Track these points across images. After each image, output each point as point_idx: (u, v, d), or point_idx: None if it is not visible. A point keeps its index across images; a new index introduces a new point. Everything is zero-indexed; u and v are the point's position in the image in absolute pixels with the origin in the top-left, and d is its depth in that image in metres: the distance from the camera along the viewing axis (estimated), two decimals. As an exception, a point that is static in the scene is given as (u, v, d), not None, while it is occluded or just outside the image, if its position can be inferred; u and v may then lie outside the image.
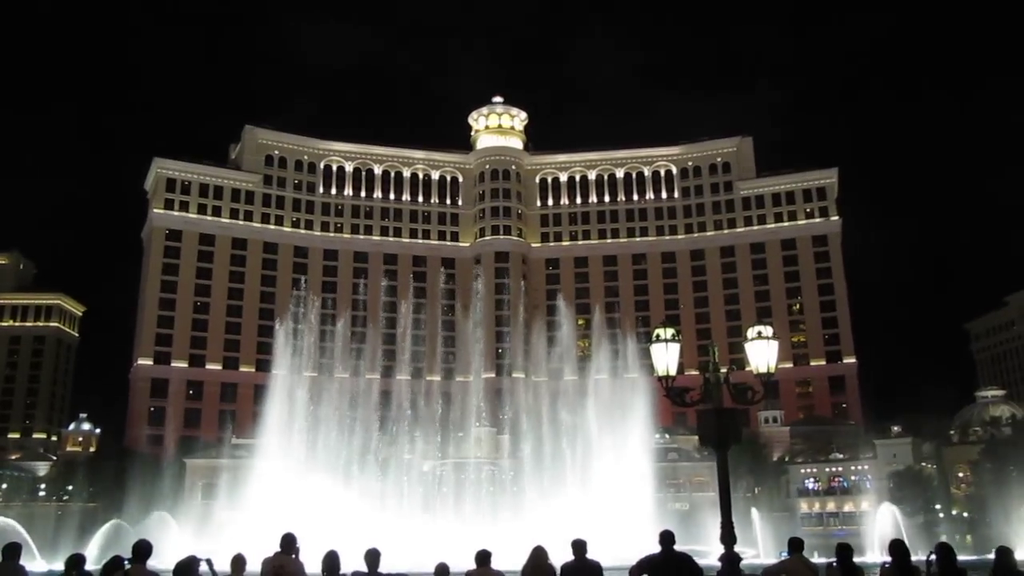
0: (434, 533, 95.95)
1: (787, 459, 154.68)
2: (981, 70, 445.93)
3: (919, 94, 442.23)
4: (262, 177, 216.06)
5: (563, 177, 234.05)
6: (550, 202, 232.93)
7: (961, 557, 19.57)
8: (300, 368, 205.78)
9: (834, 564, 17.94)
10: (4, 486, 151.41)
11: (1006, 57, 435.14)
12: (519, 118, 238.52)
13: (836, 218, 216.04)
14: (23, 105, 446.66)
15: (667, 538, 17.16)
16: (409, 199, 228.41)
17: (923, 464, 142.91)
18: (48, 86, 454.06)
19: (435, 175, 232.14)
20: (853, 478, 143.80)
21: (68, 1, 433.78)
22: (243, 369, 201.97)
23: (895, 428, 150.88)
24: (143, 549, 16.26)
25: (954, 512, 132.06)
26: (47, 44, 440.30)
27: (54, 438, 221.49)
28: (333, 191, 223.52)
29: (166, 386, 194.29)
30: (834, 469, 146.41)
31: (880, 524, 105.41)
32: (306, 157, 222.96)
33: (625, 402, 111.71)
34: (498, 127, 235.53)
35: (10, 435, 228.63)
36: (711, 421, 19.81)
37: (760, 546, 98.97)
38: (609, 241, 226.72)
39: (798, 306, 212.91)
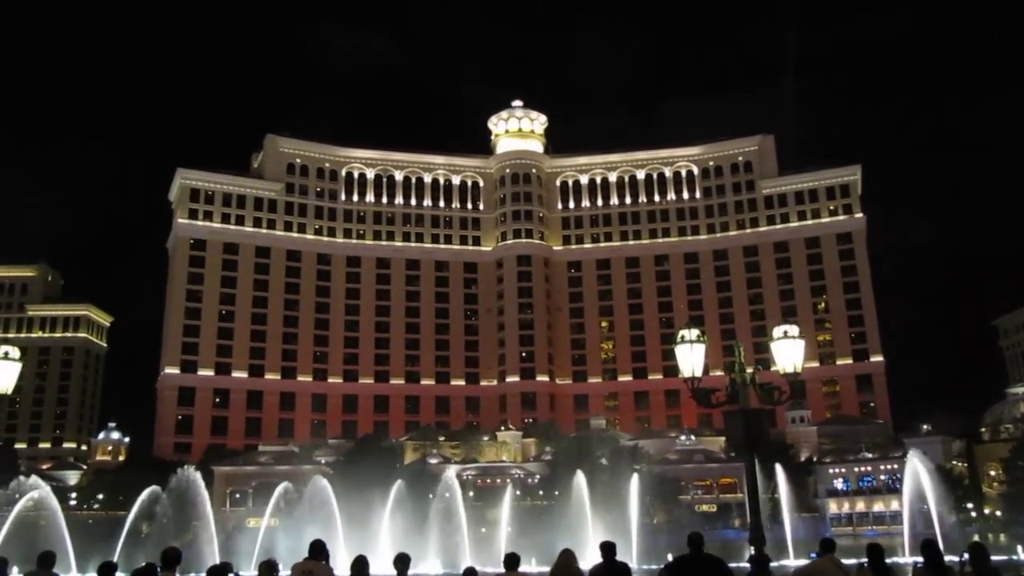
0: (461, 537, 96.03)
1: (815, 459, 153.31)
2: (1009, 64, 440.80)
3: (943, 88, 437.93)
4: (284, 185, 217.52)
5: (584, 179, 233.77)
6: (571, 205, 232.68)
7: (994, 557, 19.33)
8: (326, 375, 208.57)
9: (865, 565, 17.74)
10: (36, 495, 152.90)
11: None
12: (539, 121, 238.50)
13: (860, 215, 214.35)
14: (47, 119, 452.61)
15: (696, 540, 17.10)
16: (430, 204, 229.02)
17: (954, 463, 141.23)
18: (72, 100, 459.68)
19: (456, 180, 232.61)
20: (882, 478, 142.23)
21: (90, 14, 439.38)
22: (268, 376, 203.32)
23: (924, 426, 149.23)
24: (172, 556, 16.43)
25: (986, 511, 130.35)
26: (69, 58, 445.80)
27: (84, 447, 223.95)
28: (355, 198, 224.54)
29: (193, 394, 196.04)
30: (863, 469, 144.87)
31: (910, 491, 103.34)
32: (327, 165, 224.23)
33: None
34: (518, 131, 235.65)
35: (41, 445, 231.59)
36: (738, 422, 19.72)
37: (790, 548, 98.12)
38: (631, 243, 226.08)
39: (823, 305, 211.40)
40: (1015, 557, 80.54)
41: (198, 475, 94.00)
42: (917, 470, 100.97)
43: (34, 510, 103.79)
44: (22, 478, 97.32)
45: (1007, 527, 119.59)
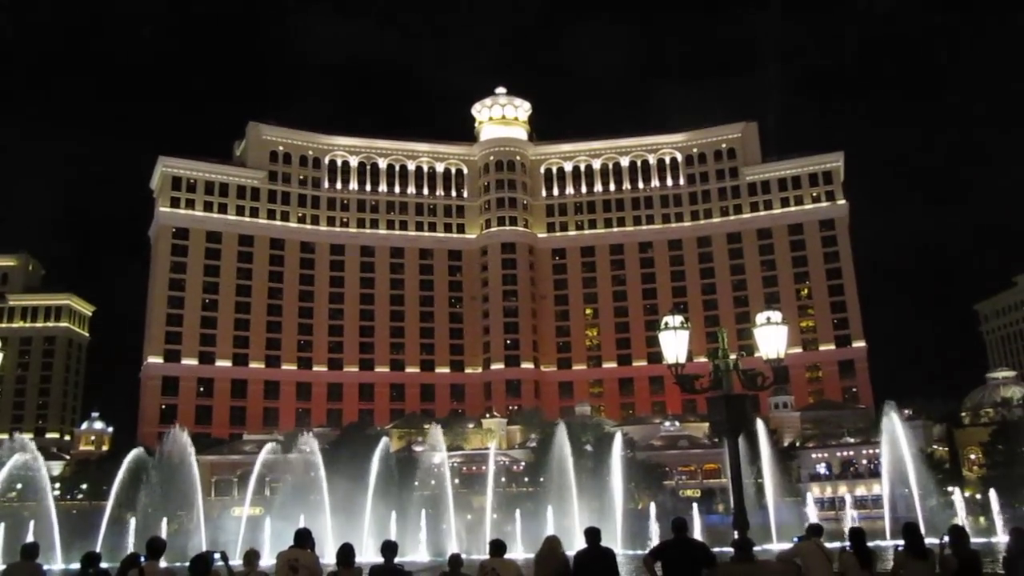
0: (448, 524, 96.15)
1: (798, 444, 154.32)
2: (987, 50, 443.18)
3: (925, 76, 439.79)
4: (267, 173, 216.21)
5: (568, 167, 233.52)
6: (555, 192, 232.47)
7: (974, 539, 19.57)
8: (310, 363, 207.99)
9: (848, 548, 17.93)
10: (19, 486, 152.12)
11: (1011, 36, 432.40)
12: (523, 108, 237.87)
13: (843, 202, 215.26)
14: (28, 107, 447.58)
15: (679, 525, 17.20)
16: (414, 192, 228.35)
17: (934, 447, 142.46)
18: (52, 87, 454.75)
19: (440, 167, 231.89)
20: (864, 462, 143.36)
21: (70, 1, 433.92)
22: (252, 365, 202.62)
23: (906, 411, 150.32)
24: (158, 546, 16.39)
25: (966, 494, 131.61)
26: (50, 43, 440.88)
27: (67, 437, 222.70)
28: (338, 186, 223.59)
29: (176, 384, 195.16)
30: (845, 453, 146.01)
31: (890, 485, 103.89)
32: (311, 152, 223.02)
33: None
34: (502, 118, 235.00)
35: (24, 435, 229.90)
36: (721, 408, 19.82)
37: (774, 532, 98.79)
38: (615, 230, 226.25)
39: (806, 291, 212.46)
40: (994, 539, 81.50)
41: (184, 434, 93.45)
42: (893, 429, 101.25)
43: (19, 501, 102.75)
44: (13, 435, 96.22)
45: (987, 510, 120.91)
